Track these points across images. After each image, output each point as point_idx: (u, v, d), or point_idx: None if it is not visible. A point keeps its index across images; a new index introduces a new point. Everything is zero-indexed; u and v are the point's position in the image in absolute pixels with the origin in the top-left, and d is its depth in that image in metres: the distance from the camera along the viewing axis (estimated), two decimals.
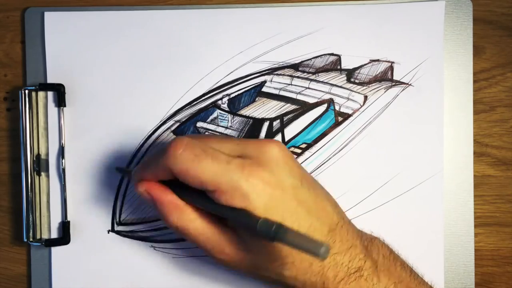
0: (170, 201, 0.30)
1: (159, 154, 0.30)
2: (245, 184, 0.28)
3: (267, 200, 0.28)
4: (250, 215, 0.28)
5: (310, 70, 0.41)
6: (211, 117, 0.41)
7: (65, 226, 0.40)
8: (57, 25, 0.41)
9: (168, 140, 0.37)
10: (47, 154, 0.41)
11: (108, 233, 0.41)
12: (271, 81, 0.41)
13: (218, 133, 0.41)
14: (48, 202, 0.41)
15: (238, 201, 0.28)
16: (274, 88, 0.41)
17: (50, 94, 0.41)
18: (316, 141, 0.41)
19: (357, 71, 0.41)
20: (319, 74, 0.41)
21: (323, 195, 0.32)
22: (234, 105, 0.41)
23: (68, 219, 0.41)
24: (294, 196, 0.29)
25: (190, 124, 0.41)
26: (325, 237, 0.29)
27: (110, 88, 0.41)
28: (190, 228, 0.30)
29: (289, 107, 0.41)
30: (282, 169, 0.29)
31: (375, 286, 0.30)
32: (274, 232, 0.26)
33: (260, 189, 0.28)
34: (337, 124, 0.41)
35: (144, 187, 0.31)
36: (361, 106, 0.41)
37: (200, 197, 0.29)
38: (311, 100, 0.41)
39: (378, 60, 0.41)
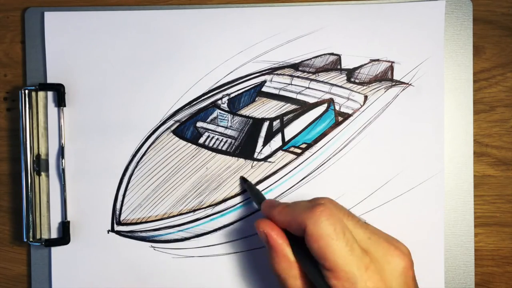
0: (283, 254, 0.31)
1: (301, 208, 0.30)
2: (360, 285, 0.28)
3: None
4: None
5: (310, 70, 0.41)
6: (211, 117, 0.41)
7: (65, 226, 0.40)
8: (57, 25, 0.41)
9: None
10: (47, 154, 0.41)
11: (108, 233, 0.41)
12: (271, 81, 0.41)
13: (218, 133, 0.41)
14: (48, 202, 0.41)
15: None
16: (274, 88, 0.41)
17: (50, 94, 0.41)
18: (316, 141, 0.41)
19: (357, 71, 0.41)
20: (319, 74, 0.41)
21: None
22: (234, 105, 0.41)
23: (68, 219, 0.41)
24: None
25: (190, 124, 0.41)
26: None
27: (110, 88, 0.41)
28: (289, 283, 0.31)
29: (289, 107, 0.41)
30: (399, 286, 0.30)
31: None
32: None
33: None
34: (337, 124, 0.41)
35: (266, 228, 0.32)
36: (361, 106, 0.41)
37: (311, 263, 0.30)
38: (311, 100, 0.41)
39: (378, 60, 0.41)
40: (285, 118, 0.41)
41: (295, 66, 0.41)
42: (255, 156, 0.40)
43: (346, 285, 0.28)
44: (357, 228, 0.30)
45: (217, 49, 0.41)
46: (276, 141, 0.40)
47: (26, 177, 0.40)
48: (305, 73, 0.41)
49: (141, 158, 0.41)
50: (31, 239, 0.40)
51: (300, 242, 0.30)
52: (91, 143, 0.41)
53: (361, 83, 0.41)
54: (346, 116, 0.41)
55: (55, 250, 0.41)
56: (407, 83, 0.40)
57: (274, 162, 0.40)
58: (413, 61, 0.40)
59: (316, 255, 0.29)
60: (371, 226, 0.32)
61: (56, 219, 0.41)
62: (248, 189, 0.39)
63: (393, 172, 0.40)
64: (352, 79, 0.41)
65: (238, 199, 0.40)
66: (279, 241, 0.31)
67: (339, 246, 0.28)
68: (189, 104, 0.41)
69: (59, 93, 0.40)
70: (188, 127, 0.41)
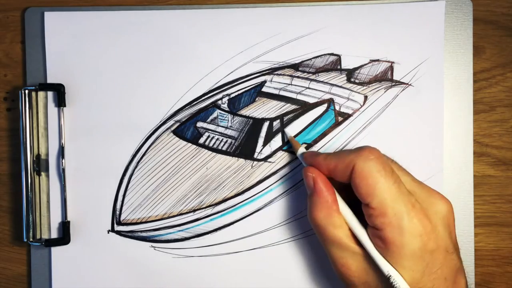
0: (327, 200, 0.32)
1: (347, 151, 0.31)
2: (407, 221, 0.28)
3: (418, 247, 0.29)
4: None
5: (310, 70, 0.41)
6: (211, 117, 0.41)
7: (65, 226, 0.40)
8: (57, 25, 0.41)
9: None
10: (47, 154, 0.41)
11: (108, 233, 0.41)
12: (271, 81, 0.41)
13: (218, 133, 0.41)
14: (48, 202, 0.41)
15: (393, 232, 0.28)
16: (274, 88, 0.41)
17: (50, 94, 0.41)
18: (316, 141, 0.41)
19: (357, 71, 0.41)
20: (319, 74, 0.41)
21: (463, 273, 0.31)
22: (234, 105, 0.41)
23: (68, 219, 0.41)
24: (444, 257, 0.29)
25: (190, 124, 0.41)
26: None
27: (110, 88, 0.41)
28: (328, 232, 0.31)
29: (289, 107, 0.41)
30: (443, 229, 0.30)
31: None
32: None
33: (417, 233, 0.29)
34: (337, 124, 0.41)
35: (314, 173, 0.32)
36: (361, 106, 0.41)
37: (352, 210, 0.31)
38: (311, 100, 0.41)
39: (378, 60, 0.41)
40: (285, 118, 0.41)
41: (295, 66, 0.41)
42: (255, 156, 0.40)
43: (393, 221, 0.28)
44: (401, 171, 0.31)
45: (217, 49, 0.41)
46: (276, 141, 0.41)
47: (26, 177, 0.40)
48: (305, 73, 0.41)
49: (141, 158, 0.41)
50: (31, 239, 0.40)
51: (342, 192, 0.31)
52: (91, 143, 0.41)
53: (361, 83, 0.41)
54: (346, 116, 0.41)
55: (55, 250, 0.41)
56: (407, 83, 0.40)
57: (274, 162, 0.40)
58: (413, 61, 0.40)
59: (363, 194, 0.29)
60: (411, 176, 0.32)
61: (56, 219, 0.41)
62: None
63: None
64: (352, 79, 0.41)
65: (238, 199, 0.40)
66: (329, 188, 0.32)
67: (387, 184, 0.29)
68: (189, 104, 0.41)
69: (59, 93, 0.40)
70: (188, 127, 0.41)
